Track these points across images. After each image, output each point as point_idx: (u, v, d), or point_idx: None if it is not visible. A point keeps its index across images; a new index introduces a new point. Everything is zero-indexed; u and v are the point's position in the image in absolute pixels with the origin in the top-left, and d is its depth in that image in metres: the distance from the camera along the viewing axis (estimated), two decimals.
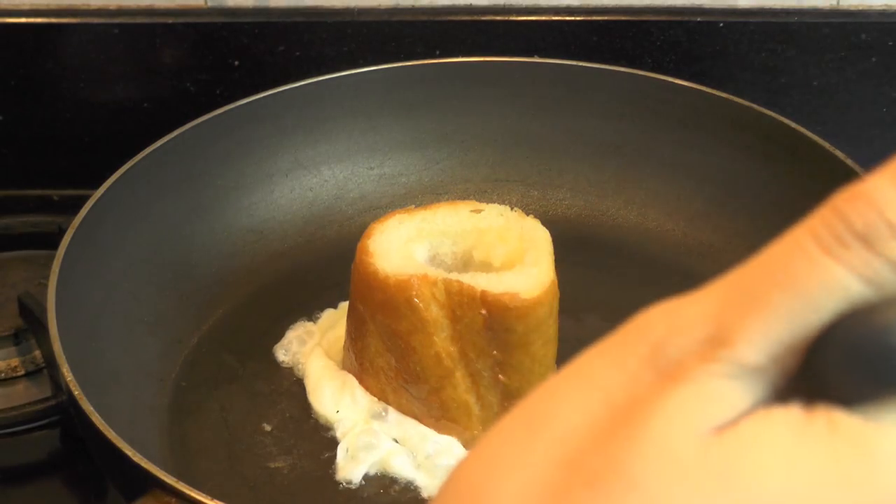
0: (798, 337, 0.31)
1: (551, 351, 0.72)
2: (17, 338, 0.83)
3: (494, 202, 0.78)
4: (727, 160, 0.88)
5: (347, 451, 0.75)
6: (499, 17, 0.97)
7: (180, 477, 0.63)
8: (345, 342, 0.78)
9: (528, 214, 0.75)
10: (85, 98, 0.99)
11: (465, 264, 0.74)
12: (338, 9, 0.97)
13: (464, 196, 0.92)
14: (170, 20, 0.96)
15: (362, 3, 0.97)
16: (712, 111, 0.88)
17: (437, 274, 0.70)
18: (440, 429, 0.74)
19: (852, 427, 0.31)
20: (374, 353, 0.74)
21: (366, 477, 0.74)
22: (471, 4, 0.97)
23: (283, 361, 0.81)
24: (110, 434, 0.65)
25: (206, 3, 0.97)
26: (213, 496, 0.62)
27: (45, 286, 0.73)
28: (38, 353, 0.83)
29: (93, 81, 0.98)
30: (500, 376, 0.71)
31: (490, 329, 0.69)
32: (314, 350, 0.80)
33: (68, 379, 0.68)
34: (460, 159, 0.93)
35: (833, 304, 0.31)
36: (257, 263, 0.87)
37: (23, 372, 0.83)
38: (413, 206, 0.79)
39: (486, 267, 0.73)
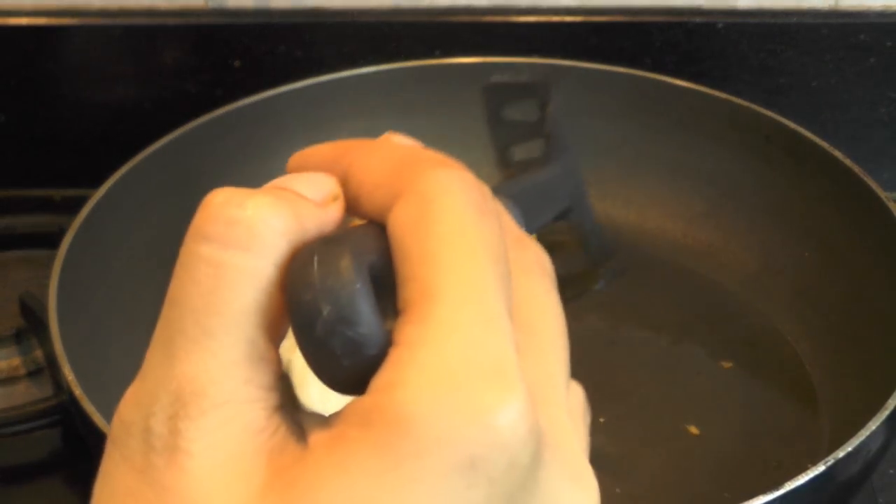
0: (251, 342, 0.31)
1: None
2: (18, 337, 0.83)
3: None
4: (727, 160, 0.88)
5: None
6: (499, 18, 0.97)
7: None
8: None
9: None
10: (86, 98, 0.99)
11: None
12: (338, 10, 0.97)
13: None
14: (171, 21, 0.97)
15: (362, 4, 0.97)
16: (712, 111, 0.88)
17: None
18: None
19: (374, 412, 0.30)
20: None
21: None
22: (471, 5, 0.97)
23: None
24: None
25: (206, 3, 0.97)
26: None
27: (47, 286, 0.73)
28: (39, 352, 0.83)
29: (94, 82, 0.98)
30: None
31: None
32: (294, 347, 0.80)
33: (69, 379, 0.69)
34: (460, 159, 0.93)
35: (254, 296, 0.31)
36: None
37: (24, 372, 0.84)
38: None
39: None
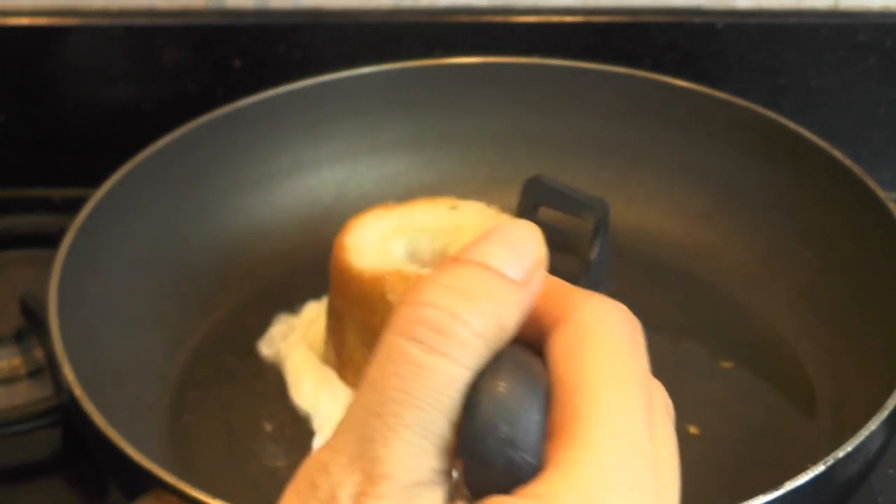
0: (441, 436, 0.34)
1: None
2: (18, 337, 0.83)
3: (494, 202, 0.78)
4: (727, 160, 0.88)
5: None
6: (499, 18, 0.97)
7: (181, 476, 0.63)
8: (325, 336, 0.78)
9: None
10: (86, 98, 0.99)
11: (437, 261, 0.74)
12: (338, 10, 0.97)
13: (464, 196, 0.92)
14: (170, 21, 0.97)
15: (362, 4, 0.97)
16: (711, 111, 0.88)
17: (412, 270, 0.70)
18: None
19: None
20: (352, 348, 0.74)
21: None
22: (471, 5, 0.97)
23: (266, 356, 0.81)
24: (111, 433, 0.66)
25: (206, 4, 0.97)
26: (214, 495, 0.62)
27: (47, 286, 0.73)
28: (39, 352, 0.83)
29: (94, 82, 0.98)
30: None
31: None
32: (296, 344, 0.81)
33: (70, 379, 0.69)
34: (460, 159, 0.93)
35: (451, 396, 0.34)
36: (257, 263, 0.87)
37: (24, 371, 0.84)
38: (392, 201, 0.80)
39: None
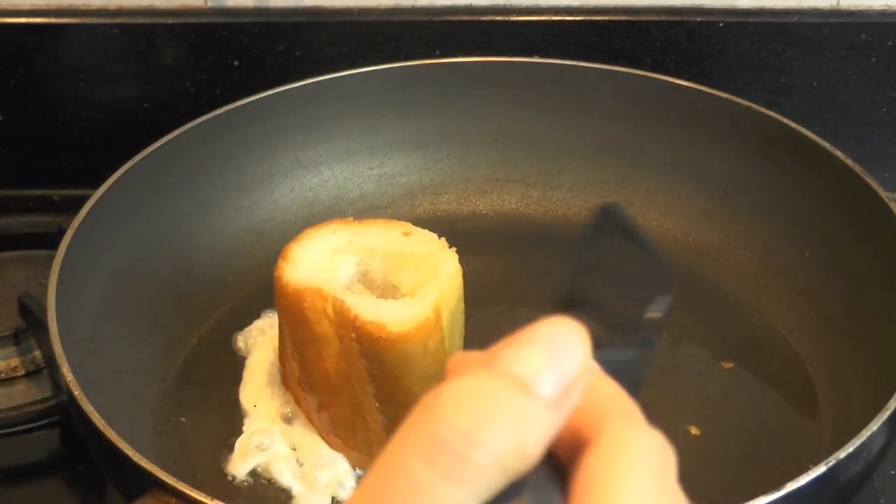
0: None
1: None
2: (17, 338, 0.83)
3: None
4: (727, 160, 0.88)
5: (239, 446, 0.75)
6: (499, 17, 0.97)
7: (180, 477, 0.63)
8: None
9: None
10: (85, 98, 0.99)
11: (387, 286, 0.73)
12: (338, 9, 0.97)
13: (464, 196, 0.92)
14: (170, 20, 0.96)
15: (362, 3, 0.97)
16: (712, 111, 0.88)
17: (331, 290, 0.70)
18: (331, 443, 0.74)
19: None
20: (289, 356, 0.74)
21: (253, 474, 0.74)
22: (471, 4, 0.97)
23: (239, 349, 0.81)
24: (110, 434, 0.65)
25: (206, 3, 0.97)
26: (213, 496, 0.62)
27: (46, 286, 0.73)
28: (38, 353, 0.83)
29: (93, 81, 0.98)
30: (376, 404, 0.71)
31: (364, 356, 0.69)
32: (265, 343, 0.81)
33: (68, 379, 0.68)
34: (460, 159, 0.93)
35: None
36: (257, 263, 0.87)
37: (23, 372, 0.83)
38: (351, 217, 0.79)
39: (394, 292, 0.72)
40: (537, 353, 0.32)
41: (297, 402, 0.75)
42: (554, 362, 0.32)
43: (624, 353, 0.50)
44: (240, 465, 0.74)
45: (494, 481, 0.31)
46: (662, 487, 0.32)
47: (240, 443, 0.75)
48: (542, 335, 0.32)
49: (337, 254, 0.73)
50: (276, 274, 0.72)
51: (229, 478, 0.74)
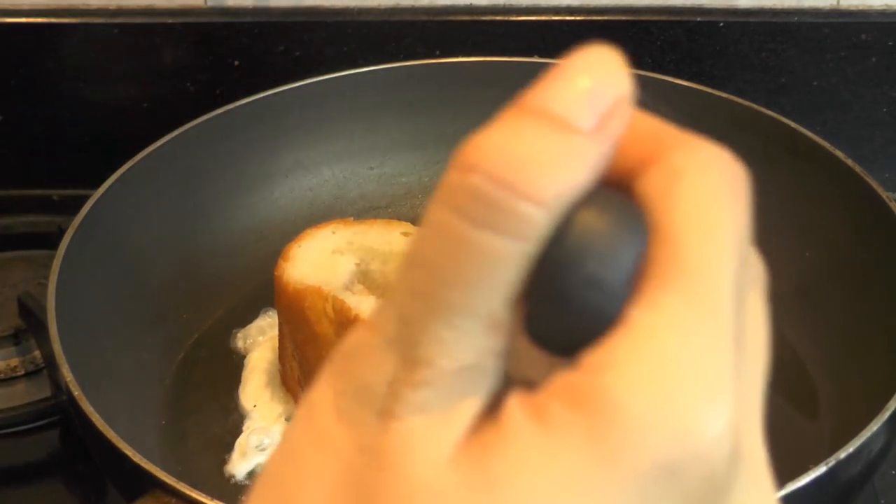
0: (493, 317, 0.29)
1: None
2: (16, 338, 0.83)
3: None
4: None
5: (239, 447, 0.75)
6: (499, 17, 0.97)
7: (180, 477, 0.63)
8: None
9: None
10: (85, 98, 0.99)
11: (387, 286, 0.73)
12: (338, 9, 0.97)
13: None
14: (169, 20, 0.96)
15: (362, 3, 0.97)
16: (712, 111, 0.88)
17: (331, 290, 0.70)
18: None
19: (585, 393, 0.28)
20: (289, 356, 0.74)
21: (252, 474, 0.74)
22: (471, 4, 0.97)
23: (238, 348, 0.81)
24: (110, 434, 0.65)
25: (205, 3, 0.97)
26: (213, 496, 0.62)
27: (45, 286, 0.73)
28: (37, 353, 0.83)
29: (93, 81, 0.98)
30: None
31: None
32: (264, 343, 0.81)
33: (68, 379, 0.68)
34: None
35: (508, 274, 0.29)
36: (257, 263, 0.87)
37: (22, 372, 0.83)
38: (351, 217, 0.79)
39: None
40: (566, 85, 0.29)
41: (297, 401, 0.75)
42: (587, 89, 0.29)
43: None
44: (239, 466, 0.74)
45: (542, 224, 0.28)
46: (734, 202, 0.30)
47: (239, 443, 0.75)
48: (570, 65, 0.30)
49: (337, 254, 0.73)
50: (276, 274, 0.72)
51: (229, 478, 0.74)
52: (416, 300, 0.29)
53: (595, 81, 0.29)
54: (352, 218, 0.77)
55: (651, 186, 0.30)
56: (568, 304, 0.29)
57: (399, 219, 0.78)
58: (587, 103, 0.29)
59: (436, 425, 0.29)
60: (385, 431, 0.29)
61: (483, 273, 0.29)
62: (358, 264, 0.74)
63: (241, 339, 0.82)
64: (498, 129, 0.29)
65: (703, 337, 0.28)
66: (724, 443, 0.28)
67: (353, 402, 0.30)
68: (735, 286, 0.29)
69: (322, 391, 0.31)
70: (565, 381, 0.29)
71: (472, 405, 0.29)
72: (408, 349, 0.29)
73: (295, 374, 0.74)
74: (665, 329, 0.28)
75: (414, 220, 0.76)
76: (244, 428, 0.76)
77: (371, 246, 0.74)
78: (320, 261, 0.72)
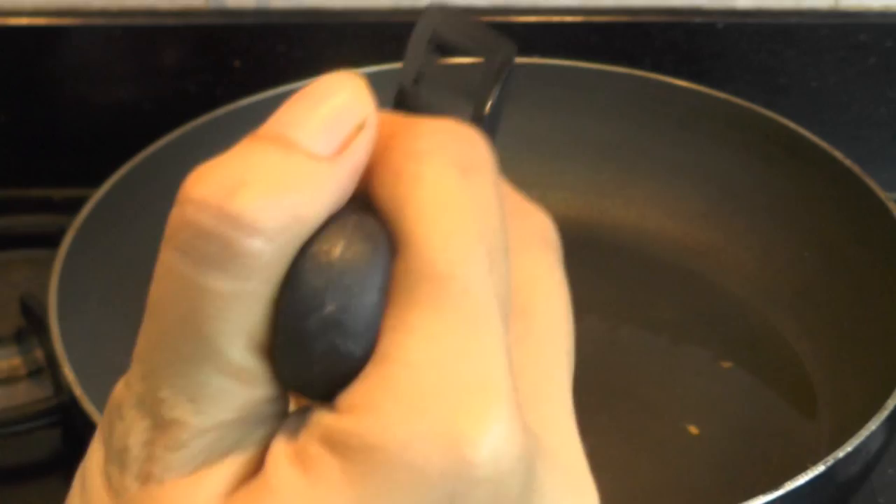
0: (240, 365, 0.27)
1: None
2: (18, 337, 0.83)
3: None
4: (726, 160, 0.88)
5: None
6: (499, 18, 0.97)
7: None
8: None
9: None
10: (86, 98, 0.99)
11: None
12: (338, 10, 0.97)
13: None
14: (171, 21, 0.97)
15: (363, 4, 0.97)
16: (711, 111, 0.88)
17: None
18: None
19: (342, 436, 0.26)
20: None
21: None
22: (471, 5, 0.97)
23: None
24: None
25: (207, 4, 0.97)
26: None
27: (47, 286, 0.73)
28: (39, 352, 0.83)
29: (94, 82, 0.98)
30: None
31: None
32: None
33: (70, 379, 0.69)
34: None
35: (241, 316, 0.26)
36: None
37: (24, 371, 0.84)
38: None
39: None
40: (302, 111, 0.27)
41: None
42: (323, 115, 0.27)
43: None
44: None
45: (265, 264, 0.26)
46: (466, 180, 0.27)
47: None
48: (307, 90, 0.28)
49: None
50: None
51: None
52: (153, 352, 0.27)
53: (333, 105, 0.27)
54: None
55: (381, 191, 0.27)
56: (311, 349, 0.26)
57: None
58: (325, 126, 0.27)
59: (198, 484, 0.27)
60: (146, 497, 0.27)
61: (209, 319, 0.26)
62: None
63: None
64: (222, 158, 0.27)
65: (459, 351, 0.26)
66: (503, 458, 0.26)
67: (115, 468, 0.28)
68: (485, 271, 0.26)
69: (93, 456, 0.29)
70: (323, 422, 0.26)
71: (238, 458, 0.27)
72: (156, 408, 0.27)
73: None
74: (416, 353, 0.26)
75: None
76: None
77: None
78: None
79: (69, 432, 0.79)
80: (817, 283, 0.82)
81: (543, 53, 0.94)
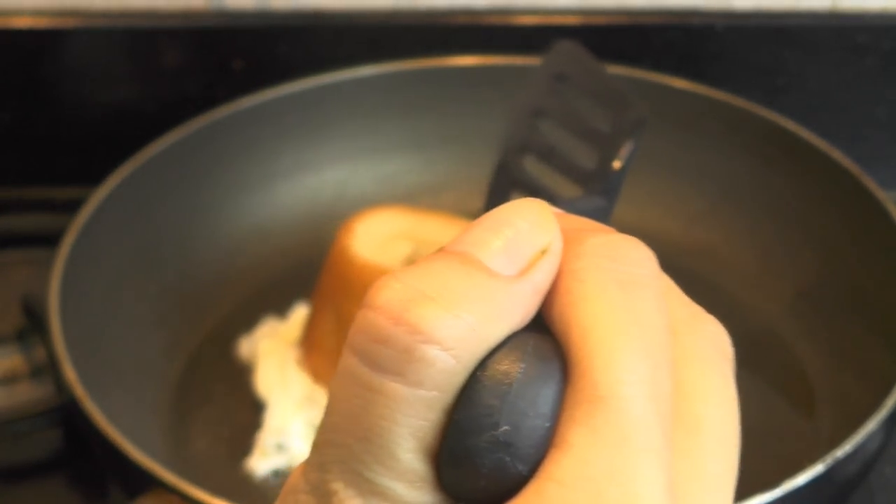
0: (408, 468, 0.27)
1: None
2: (20, 337, 0.83)
3: None
4: (726, 161, 0.88)
5: (259, 445, 0.75)
6: (498, 18, 0.97)
7: (182, 476, 0.64)
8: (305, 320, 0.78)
9: None
10: (87, 99, 0.99)
11: None
12: (338, 11, 0.97)
13: (464, 196, 0.92)
14: (171, 22, 0.97)
15: (362, 5, 0.97)
16: (711, 112, 0.88)
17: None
18: None
19: None
20: (323, 333, 0.74)
21: (277, 472, 0.74)
22: (470, 5, 0.97)
23: (243, 355, 0.81)
24: (112, 433, 0.66)
25: (207, 5, 0.97)
26: (214, 495, 0.62)
27: (48, 286, 0.74)
28: (40, 352, 0.83)
29: (95, 82, 0.99)
30: None
31: None
32: (273, 335, 0.81)
33: (71, 378, 0.69)
34: (460, 159, 0.93)
35: (414, 425, 0.27)
36: (258, 263, 0.87)
37: (25, 372, 0.84)
38: (412, 204, 0.80)
39: None
40: (489, 232, 0.28)
41: (326, 379, 0.75)
42: (509, 237, 0.28)
43: (586, 204, 0.44)
44: (260, 464, 0.74)
45: (444, 375, 0.27)
46: (626, 294, 0.28)
47: (258, 441, 0.75)
48: (493, 215, 0.28)
49: (395, 239, 0.74)
50: (339, 247, 0.72)
51: (245, 475, 0.74)
52: (329, 448, 0.28)
53: (517, 228, 0.28)
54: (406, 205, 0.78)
55: (550, 312, 0.28)
56: (479, 464, 0.27)
57: None
58: (509, 248, 0.28)
59: None
60: None
61: (383, 420, 0.27)
62: (412, 251, 0.74)
63: (245, 346, 0.82)
64: (409, 269, 0.28)
65: (613, 472, 0.26)
66: None
67: None
68: (648, 397, 0.27)
69: None
70: None
71: None
72: (327, 499, 0.28)
73: (330, 352, 0.74)
74: (570, 472, 0.26)
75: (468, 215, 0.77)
76: (265, 418, 0.76)
77: (426, 238, 0.74)
78: (378, 241, 0.73)
79: (70, 432, 0.79)
80: (817, 283, 0.82)
81: (543, 53, 0.94)
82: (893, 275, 0.77)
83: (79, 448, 0.78)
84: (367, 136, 0.92)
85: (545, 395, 0.27)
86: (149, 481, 0.64)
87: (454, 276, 0.27)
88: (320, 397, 0.76)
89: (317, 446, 0.28)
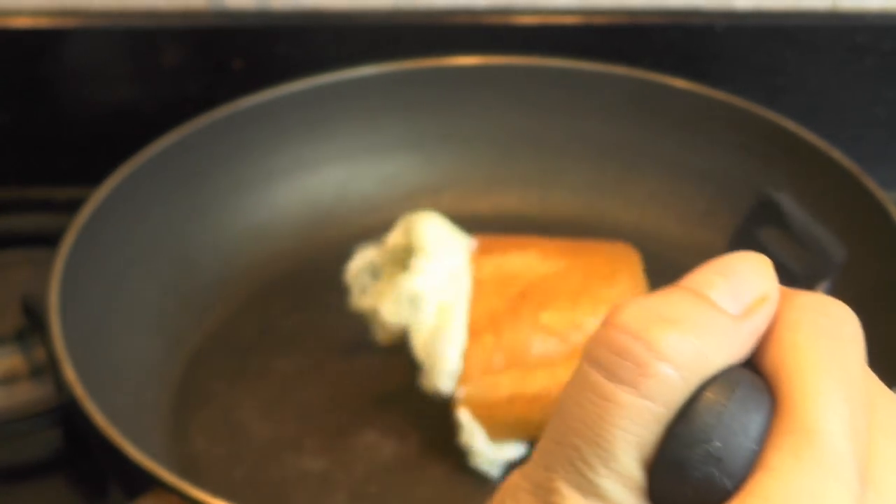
0: (626, 474, 0.31)
1: None
2: (19, 337, 0.83)
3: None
4: (726, 160, 0.88)
5: (396, 289, 0.72)
6: (499, 18, 0.97)
7: (182, 476, 0.64)
8: None
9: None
10: (87, 99, 0.99)
11: None
12: (338, 11, 0.97)
13: (464, 196, 0.92)
14: (171, 22, 0.97)
15: (362, 5, 0.97)
16: (710, 112, 0.88)
17: None
18: None
19: None
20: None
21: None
22: (471, 5, 0.97)
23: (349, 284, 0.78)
24: (112, 433, 0.66)
25: (207, 5, 0.97)
26: (215, 495, 0.62)
27: (48, 286, 0.74)
28: (40, 352, 0.83)
29: (95, 82, 0.99)
30: None
31: None
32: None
33: (71, 378, 0.69)
34: (460, 159, 0.93)
35: (639, 434, 0.30)
36: (258, 263, 0.87)
37: (25, 372, 0.84)
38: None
39: None
40: (718, 275, 0.32)
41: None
42: (736, 282, 0.32)
43: None
44: (386, 307, 0.72)
45: (671, 390, 0.30)
46: (835, 349, 0.32)
47: (396, 285, 0.72)
48: (723, 262, 0.33)
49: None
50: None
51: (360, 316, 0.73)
52: (556, 448, 0.31)
53: (743, 275, 0.32)
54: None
55: (763, 354, 0.32)
56: (689, 475, 0.31)
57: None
58: (735, 291, 0.32)
59: None
60: None
61: (612, 426, 0.30)
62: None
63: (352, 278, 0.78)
64: (647, 297, 0.32)
65: (812, 494, 0.30)
66: None
67: None
68: (848, 435, 0.31)
69: None
70: None
71: None
72: (549, 497, 0.31)
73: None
74: (772, 491, 0.30)
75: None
76: (413, 265, 0.73)
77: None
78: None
79: (70, 432, 0.79)
80: (814, 283, 0.82)
81: (543, 53, 0.94)
82: (893, 274, 0.77)
83: (79, 448, 0.78)
84: (367, 136, 0.92)
85: (755, 421, 0.31)
86: (149, 481, 0.64)
87: (689, 306, 0.31)
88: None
89: (542, 449, 0.31)
